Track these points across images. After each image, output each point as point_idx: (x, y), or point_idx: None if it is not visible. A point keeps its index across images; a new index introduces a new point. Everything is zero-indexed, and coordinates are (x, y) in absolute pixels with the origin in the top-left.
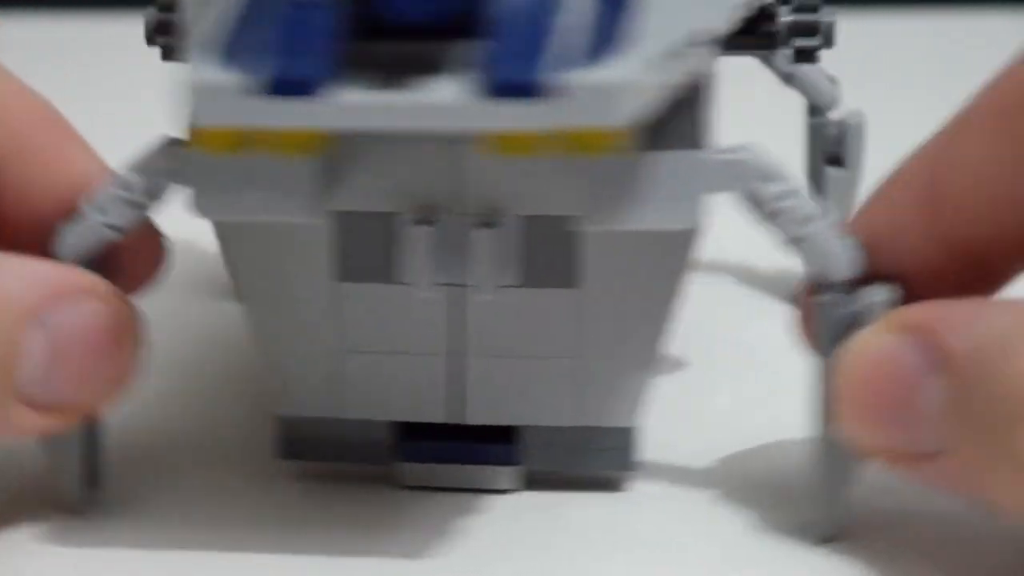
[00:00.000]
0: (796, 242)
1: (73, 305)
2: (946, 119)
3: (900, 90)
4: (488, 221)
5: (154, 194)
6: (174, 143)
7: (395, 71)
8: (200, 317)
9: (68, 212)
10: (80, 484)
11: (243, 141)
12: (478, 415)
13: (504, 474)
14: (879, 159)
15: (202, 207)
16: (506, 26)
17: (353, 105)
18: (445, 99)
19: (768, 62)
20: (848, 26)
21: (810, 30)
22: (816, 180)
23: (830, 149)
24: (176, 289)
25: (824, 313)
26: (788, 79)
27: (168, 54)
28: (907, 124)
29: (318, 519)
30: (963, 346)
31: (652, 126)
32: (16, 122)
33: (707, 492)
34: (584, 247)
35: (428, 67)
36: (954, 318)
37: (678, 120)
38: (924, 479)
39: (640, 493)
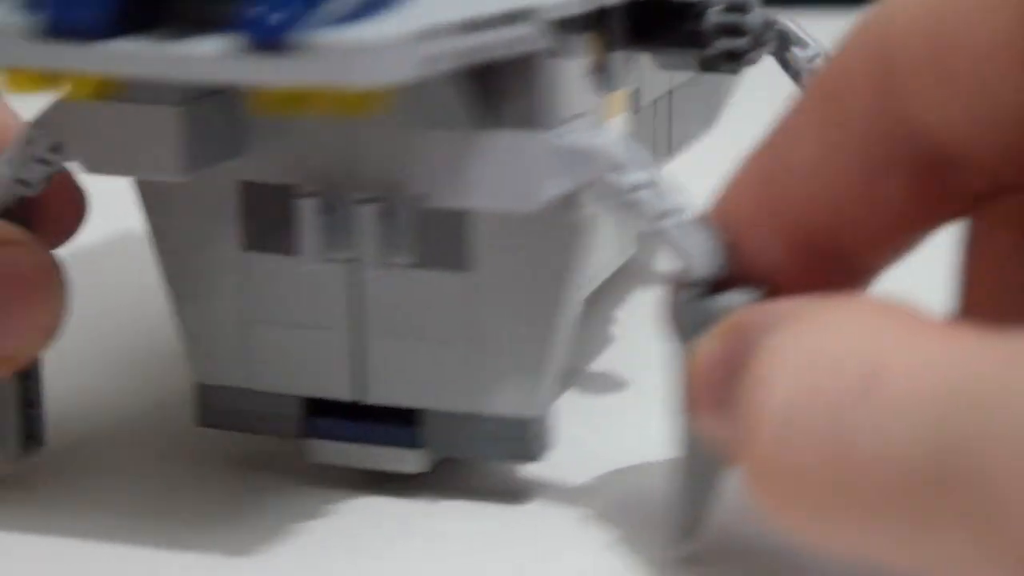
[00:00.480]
0: (653, 236)
1: None
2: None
3: None
4: (373, 197)
5: (57, 149)
6: (62, 98)
7: (178, 26)
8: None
9: None
10: (17, 438)
11: (40, 84)
12: (380, 395)
13: (409, 456)
14: None
15: (80, 162)
16: None
17: (120, 53)
18: (207, 52)
19: (785, 65)
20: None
21: (736, 31)
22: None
23: None
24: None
25: (679, 310)
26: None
27: None
28: None
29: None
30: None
31: (492, 103)
32: None
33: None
34: (474, 229)
35: (212, 24)
36: (757, 318)
37: (519, 99)
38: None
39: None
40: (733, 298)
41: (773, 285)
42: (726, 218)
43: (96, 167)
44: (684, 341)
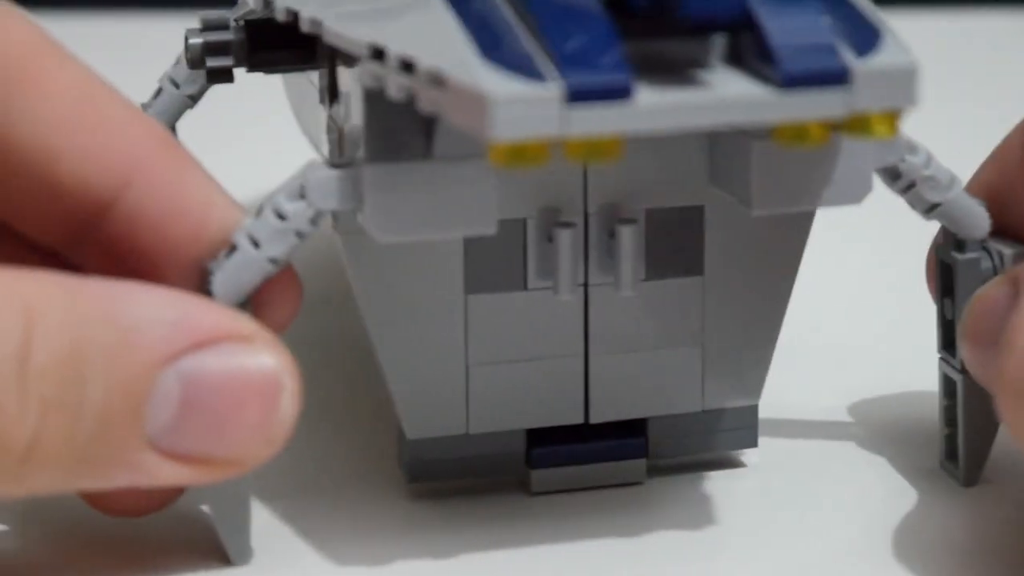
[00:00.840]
0: (935, 207)
1: (216, 353)
2: None
3: None
4: (628, 218)
5: (315, 221)
6: (332, 165)
7: (671, 69)
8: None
9: (195, 238)
10: (246, 536)
11: (541, 155)
12: (603, 412)
13: (632, 468)
14: None
15: (379, 228)
16: (779, 19)
17: (659, 107)
18: (751, 94)
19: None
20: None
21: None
22: None
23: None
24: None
25: (970, 269)
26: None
27: (217, 76)
28: (908, 124)
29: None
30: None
31: None
32: (137, 148)
33: (832, 448)
34: (706, 235)
35: (692, 64)
36: None
37: None
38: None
39: (763, 465)
40: (1006, 248)
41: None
42: (988, 182)
43: (399, 230)
44: (955, 297)
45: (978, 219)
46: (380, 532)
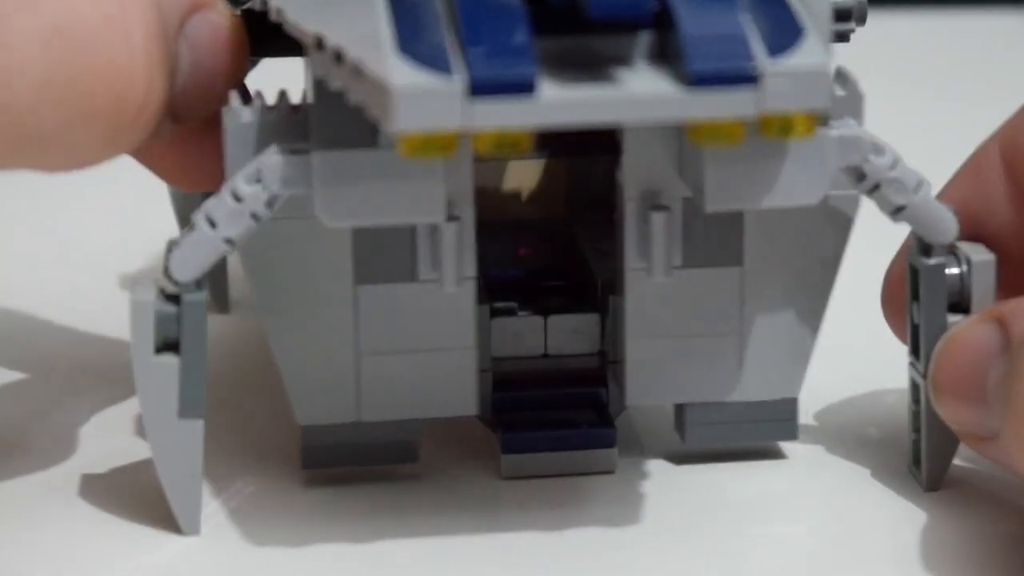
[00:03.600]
0: (901, 209)
1: (206, 16)
2: None
3: (900, 89)
4: (662, 204)
5: (271, 204)
6: (291, 151)
7: (582, 66)
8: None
9: None
10: (197, 508)
11: (449, 146)
12: (637, 396)
13: (603, 457)
14: None
15: (328, 213)
16: (695, 17)
17: (563, 101)
18: (658, 91)
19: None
20: None
21: None
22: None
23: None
24: None
25: (934, 273)
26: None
27: None
28: (908, 123)
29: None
30: (1020, 332)
31: None
32: None
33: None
34: (746, 226)
35: (609, 61)
36: (1018, 312)
37: None
38: (989, 457)
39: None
40: (976, 254)
41: (995, 248)
42: (961, 190)
43: (343, 218)
44: (936, 302)
45: (945, 224)
46: (353, 515)
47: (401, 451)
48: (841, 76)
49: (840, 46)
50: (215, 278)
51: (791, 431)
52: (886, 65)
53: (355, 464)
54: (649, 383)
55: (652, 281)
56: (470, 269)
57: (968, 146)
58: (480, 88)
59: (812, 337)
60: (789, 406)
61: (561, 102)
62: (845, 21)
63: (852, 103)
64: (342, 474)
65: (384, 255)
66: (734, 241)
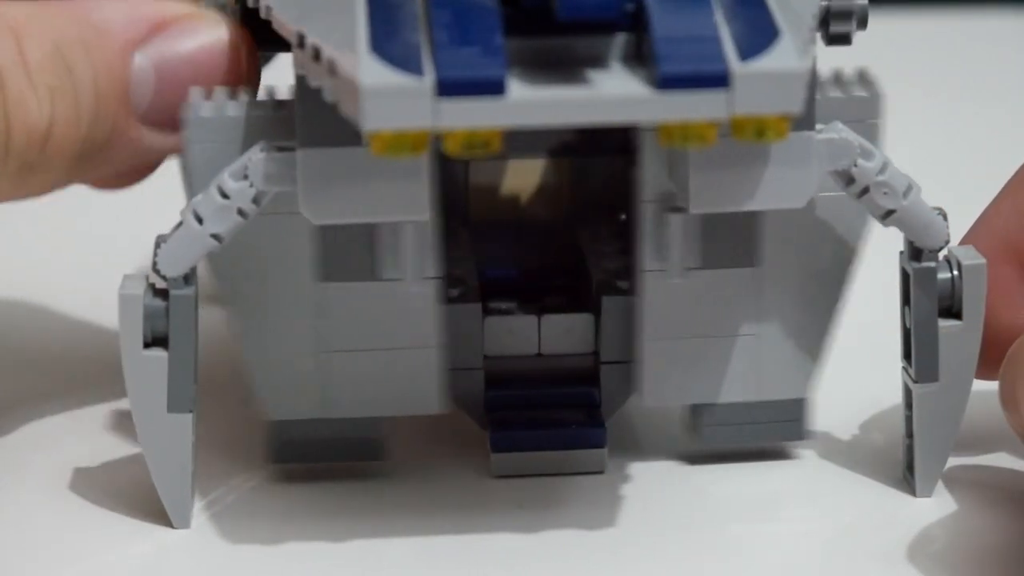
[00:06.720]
0: (890, 213)
1: (175, 33)
2: None
3: (902, 89)
4: (678, 206)
5: (258, 201)
6: (278, 148)
7: (556, 67)
8: None
9: None
10: (191, 501)
11: (421, 145)
12: (654, 396)
13: (592, 457)
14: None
15: (313, 211)
16: (668, 19)
17: (532, 102)
18: (628, 92)
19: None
20: None
21: None
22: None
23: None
24: None
25: (924, 278)
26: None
27: None
28: (910, 123)
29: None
30: None
31: None
32: None
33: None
34: (763, 228)
35: (584, 62)
36: None
37: None
38: None
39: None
40: (965, 257)
41: None
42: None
43: (327, 215)
44: (930, 305)
45: (935, 228)
46: (346, 512)
47: (368, 448)
48: (862, 77)
49: (844, 50)
50: None
51: (800, 431)
52: (886, 65)
53: (322, 461)
54: (666, 384)
55: (668, 282)
56: (432, 269)
57: (968, 146)
58: (448, 88)
59: (825, 339)
60: (800, 406)
61: (530, 103)
62: (844, 22)
63: (872, 104)
64: (334, 471)
65: (348, 253)
66: (752, 243)
